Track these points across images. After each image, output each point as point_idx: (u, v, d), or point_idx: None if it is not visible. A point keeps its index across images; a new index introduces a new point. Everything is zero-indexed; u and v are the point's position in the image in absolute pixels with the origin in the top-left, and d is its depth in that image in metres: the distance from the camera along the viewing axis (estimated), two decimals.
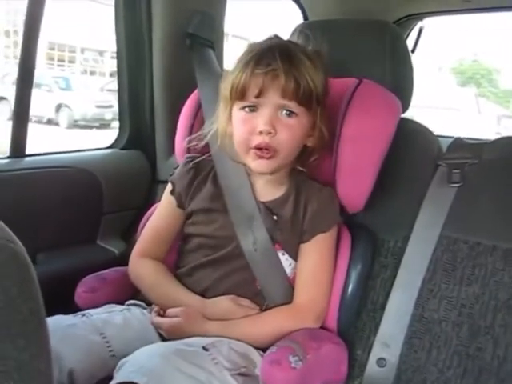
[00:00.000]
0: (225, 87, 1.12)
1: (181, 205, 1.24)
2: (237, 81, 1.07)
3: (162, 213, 1.27)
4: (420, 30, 2.45)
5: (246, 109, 1.09)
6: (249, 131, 1.08)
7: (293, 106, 1.07)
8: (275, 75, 1.04)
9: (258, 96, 1.06)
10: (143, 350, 0.96)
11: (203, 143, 1.23)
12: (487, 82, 23.33)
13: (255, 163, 1.10)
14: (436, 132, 1.41)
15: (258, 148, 1.08)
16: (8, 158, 1.47)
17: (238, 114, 1.11)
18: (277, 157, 1.09)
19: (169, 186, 1.26)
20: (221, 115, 1.16)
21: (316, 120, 1.12)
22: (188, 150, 1.32)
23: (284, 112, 1.07)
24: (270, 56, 1.05)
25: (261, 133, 1.06)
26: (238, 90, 1.07)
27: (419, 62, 2.53)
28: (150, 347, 0.98)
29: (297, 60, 1.06)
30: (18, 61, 1.47)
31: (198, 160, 1.24)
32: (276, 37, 1.16)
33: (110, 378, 0.94)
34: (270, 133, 1.06)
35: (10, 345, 0.41)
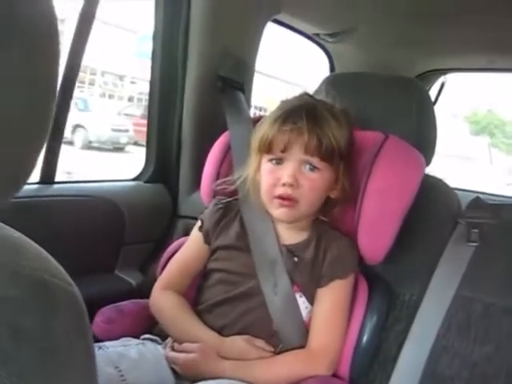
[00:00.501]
0: (255, 139, 1.20)
1: (207, 241, 1.28)
2: (265, 135, 1.16)
3: (190, 247, 1.32)
4: (442, 84, 2.50)
5: (273, 161, 1.17)
6: (274, 182, 1.16)
7: (315, 161, 1.14)
8: (300, 133, 1.12)
9: (283, 151, 1.14)
10: None
11: (232, 188, 1.29)
12: (500, 133, 23.39)
13: (278, 212, 1.17)
14: (448, 181, 1.43)
15: (281, 198, 1.14)
16: (38, 183, 1.50)
17: (266, 165, 1.19)
18: (298, 207, 1.15)
19: (198, 223, 1.31)
20: (251, 164, 1.23)
21: (339, 174, 1.19)
22: (215, 192, 1.36)
23: (308, 167, 1.15)
24: (297, 115, 1.14)
25: (284, 184, 1.14)
26: (266, 143, 1.16)
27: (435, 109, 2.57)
28: None
29: (322, 119, 1.14)
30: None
31: (227, 201, 1.30)
32: (306, 95, 1.25)
33: None
34: (292, 185, 1.13)
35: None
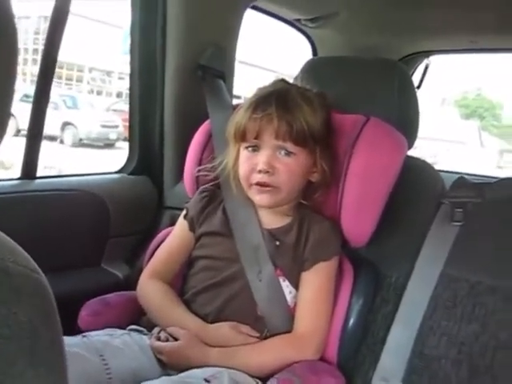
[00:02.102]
0: (230, 128, 1.21)
1: (192, 228, 1.29)
2: (238, 123, 1.18)
3: (175, 236, 1.33)
4: (426, 67, 2.50)
5: (249, 148, 1.18)
6: (250, 169, 1.17)
7: (289, 146, 1.15)
8: (270, 119, 1.13)
9: (256, 138, 1.16)
10: (148, 383, 0.98)
11: (213, 175, 1.30)
12: (490, 116, 23.50)
13: (258, 197, 1.19)
14: (439, 165, 1.44)
15: (258, 184, 1.16)
16: (19, 179, 1.49)
17: (243, 152, 1.20)
18: (277, 192, 1.16)
19: (183, 212, 1.32)
20: (230, 152, 1.24)
21: (316, 158, 1.19)
22: (197, 179, 1.36)
23: (282, 152, 1.15)
24: (268, 102, 1.15)
25: (260, 171, 1.15)
26: (240, 131, 1.18)
27: (423, 93, 2.57)
28: (155, 381, 1.00)
29: (292, 104, 1.15)
30: (34, 82, 1.50)
31: (212, 190, 1.31)
32: (281, 81, 1.25)
33: None
34: (267, 171, 1.14)
35: (32, 372, 0.43)
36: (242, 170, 1.19)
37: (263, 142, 1.15)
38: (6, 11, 0.46)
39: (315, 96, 1.21)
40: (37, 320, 0.45)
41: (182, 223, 1.31)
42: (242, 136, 1.18)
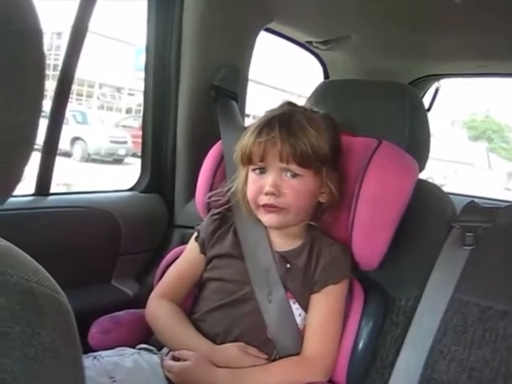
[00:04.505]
0: (237, 151, 1.22)
1: (203, 251, 1.29)
2: (244, 147, 1.19)
3: (186, 257, 1.33)
4: (436, 90, 2.51)
5: (257, 171, 1.20)
6: (258, 191, 1.19)
7: (294, 168, 1.16)
8: (273, 142, 1.15)
9: (261, 161, 1.17)
10: None
11: (224, 199, 1.31)
12: (499, 138, 23.45)
13: (266, 218, 1.20)
14: (449, 186, 1.44)
15: (266, 206, 1.17)
16: (33, 195, 1.51)
17: (251, 175, 1.22)
18: (285, 213, 1.17)
19: (195, 234, 1.33)
20: (239, 174, 1.25)
21: (323, 179, 1.20)
22: (208, 204, 1.38)
23: (289, 174, 1.17)
24: (272, 125, 1.16)
25: (267, 194, 1.16)
26: (246, 155, 1.19)
27: (433, 115, 2.58)
28: None
29: (296, 127, 1.16)
30: (46, 98, 1.52)
31: (223, 212, 1.32)
32: (288, 104, 1.26)
33: None
34: (274, 194, 1.15)
35: None
36: (250, 192, 1.21)
37: (269, 164, 1.17)
38: (39, 50, 0.48)
39: (321, 118, 1.22)
40: (59, 340, 0.46)
41: (193, 246, 1.32)
42: (248, 159, 1.19)
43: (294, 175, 1.16)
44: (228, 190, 1.30)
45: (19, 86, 0.47)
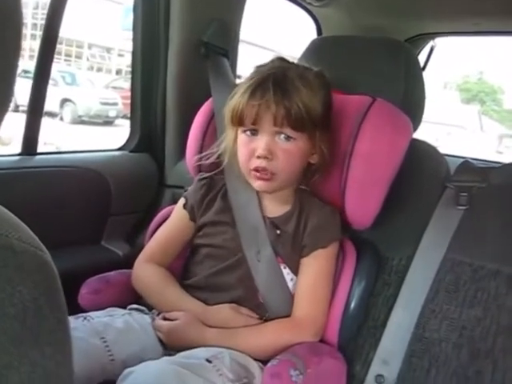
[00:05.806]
0: (227, 111, 1.18)
1: (193, 218, 1.27)
2: (235, 108, 1.14)
3: (174, 224, 1.30)
4: (431, 49, 2.48)
5: (248, 132, 1.16)
6: (249, 154, 1.15)
7: (288, 131, 1.12)
8: (267, 106, 1.10)
9: (254, 123, 1.13)
10: (149, 363, 0.97)
11: (213, 160, 1.28)
12: (491, 101, 23.43)
13: (256, 184, 1.17)
14: (442, 149, 1.42)
15: (256, 170, 1.13)
16: (19, 155, 1.48)
17: (241, 136, 1.17)
18: (276, 179, 1.14)
19: (181, 201, 1.30)
20: (228, 135, 1.21)
21: (315, 141, 1.17)
22: (198, 165, 1.35)
23: (282, 136, 1.13)
24: (265, 87, 1.11)
25: (259, 157, 1.12)
26: (237, 116, 1.14)
27: (426, 77, 2.56)
28: (156, 361, 1.00)
29: (290, 88, 1.11)
30: (33, 58, 1.48)
31: (210, 177, 1.29)
32: (278, 59, 1.20)
33: (108, 382, 0.95)
34: (266, 157, 1.12)
35: (38, 352, 0.42)
36: (241, 154, 1.17)
37: (262, 127, 1.13)
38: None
39: (314, 76, 1.17)
40: (42, 299, 0.44)
41: (181, 213, 1.29)
42: (239, 121, 1.15)
43: (288, 138, 1.13)
44: (218, 153, 1.26)
45: None
